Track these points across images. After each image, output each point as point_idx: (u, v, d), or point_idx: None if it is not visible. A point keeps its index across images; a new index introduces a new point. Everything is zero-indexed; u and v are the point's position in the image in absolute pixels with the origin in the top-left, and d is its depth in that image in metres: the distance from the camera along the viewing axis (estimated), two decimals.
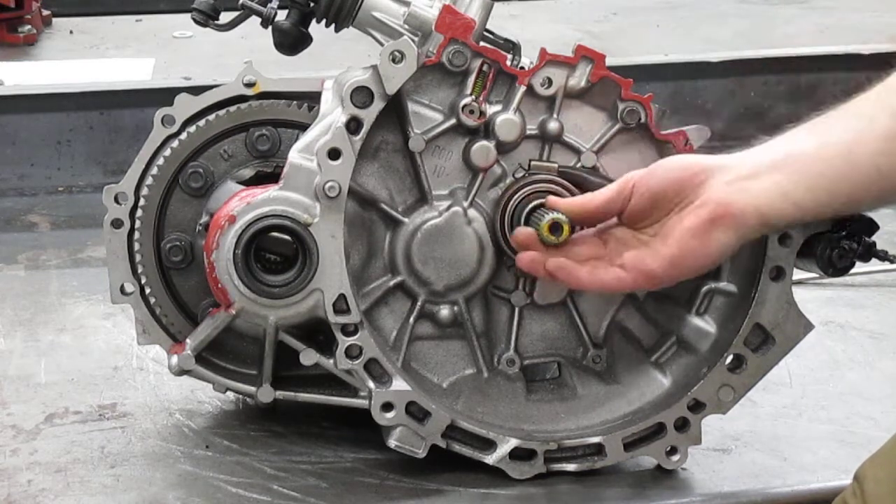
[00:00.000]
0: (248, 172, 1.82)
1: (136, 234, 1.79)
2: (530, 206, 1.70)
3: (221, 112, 1.80)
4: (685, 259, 1.53)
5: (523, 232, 1.66)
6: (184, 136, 1.79)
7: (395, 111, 1.72)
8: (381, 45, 1.77)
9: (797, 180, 1.46)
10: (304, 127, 1.75)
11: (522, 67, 1.76)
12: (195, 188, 1.81)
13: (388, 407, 1.70)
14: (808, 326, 1.71)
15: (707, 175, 1.53)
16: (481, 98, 1.73)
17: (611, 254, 1.61)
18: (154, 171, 1.79)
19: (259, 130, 1.81)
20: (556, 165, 1.74)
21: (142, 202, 1.79)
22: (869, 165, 1.42)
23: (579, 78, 1.74)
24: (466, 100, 1.72)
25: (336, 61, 1.94)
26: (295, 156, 1.67)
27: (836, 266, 1.64)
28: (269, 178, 1.79)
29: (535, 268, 1.63)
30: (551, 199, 1.67)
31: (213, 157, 1.81)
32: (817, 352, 2.14)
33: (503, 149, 1.74)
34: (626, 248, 1.59)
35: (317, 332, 1.74)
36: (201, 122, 1.80)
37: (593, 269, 1.60)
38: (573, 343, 1.83)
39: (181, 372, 1.74)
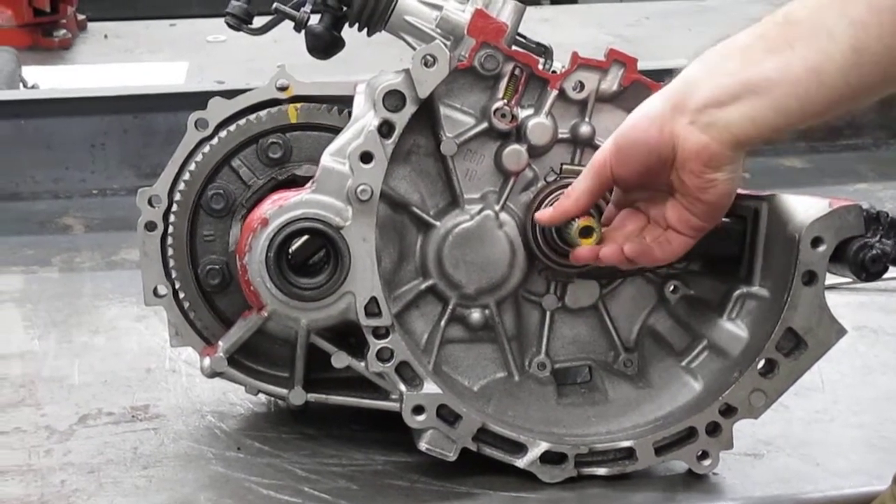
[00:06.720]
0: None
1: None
2: None
3: None
4: (713, 206, 1.54)
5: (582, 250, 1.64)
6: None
7: (426, 115, 1.72)
8: (414, 49, 1.77)
9: (765, 105, 1.43)
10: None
11: (554, 71, 1.77)
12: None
13: (419, 410, 1.70)
14: (841, 331, 1.69)
15: (670, 126, 1.50)
16: (513, 102, 1.73)
17: (655, 218, 1.60)
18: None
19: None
20: None
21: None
22: (838, 81, 1.37)
23: (611, 82, 1.74)
24: (498, 103, 1.72)
25: (368, 65, 1.94)
26: (327, 159, 1.67)
27: (868, 270, 1.63)
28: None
29: (619, 258, 1.62)
30: (538, 214, 1.68)
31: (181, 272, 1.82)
32: (850, 357, 2.12)
33: (535, 152, 1.74)
34: (662, 206, 1.58)
35: (348, 335, 1.74)
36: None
37: (658, 242, 1.59)
38: (604, 347, 1.82)
39: (213, 374, 1.75)
